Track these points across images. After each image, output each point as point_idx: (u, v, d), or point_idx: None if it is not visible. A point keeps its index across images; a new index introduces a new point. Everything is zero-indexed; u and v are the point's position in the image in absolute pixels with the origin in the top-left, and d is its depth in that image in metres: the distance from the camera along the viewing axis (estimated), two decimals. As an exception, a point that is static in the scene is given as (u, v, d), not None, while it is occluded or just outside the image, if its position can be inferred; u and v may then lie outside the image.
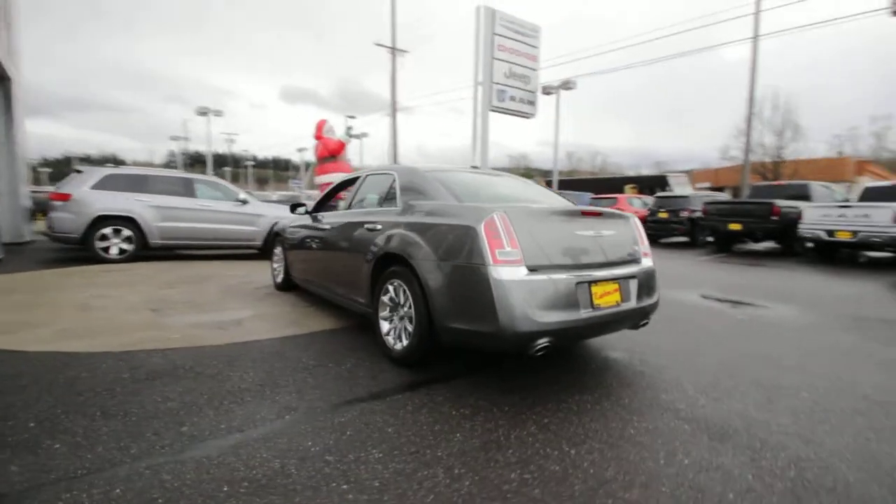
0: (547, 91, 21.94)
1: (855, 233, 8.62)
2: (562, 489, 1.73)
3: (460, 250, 2.52)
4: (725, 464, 1.92)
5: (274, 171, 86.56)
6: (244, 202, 8.37)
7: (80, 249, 7.24)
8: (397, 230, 3.02)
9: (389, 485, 1.72)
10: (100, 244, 7.12)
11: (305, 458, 1.89)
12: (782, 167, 28.77)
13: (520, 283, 2.36)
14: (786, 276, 7.61)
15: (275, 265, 5.57)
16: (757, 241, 11.46)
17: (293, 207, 4.70)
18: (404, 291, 2.92)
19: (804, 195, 11.26)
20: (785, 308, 4.98)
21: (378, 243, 3.15)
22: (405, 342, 2.91)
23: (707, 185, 31.77)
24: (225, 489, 1.66)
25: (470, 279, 2.45)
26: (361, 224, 3.47)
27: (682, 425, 2.25)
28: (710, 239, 12.39)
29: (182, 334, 3.53)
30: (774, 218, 10.30)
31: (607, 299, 2.68)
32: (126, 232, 7.29)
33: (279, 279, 5.39)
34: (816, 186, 11.69)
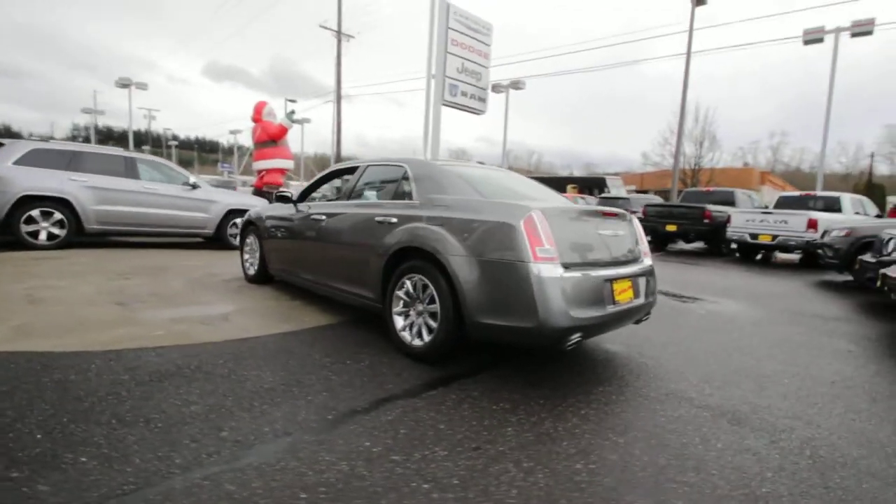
0: (497, 89, 22.35)
1: (774, 237, 9.71)
2: (628, 477, 1.82)
3: (498, 247, 2.54)
4: (752, 446, 2.12)
5: (199, 153, 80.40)
6: (194, 186, 7.74)
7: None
8: (418, 224, 2.97)
9: (468, 482, 1.71)
10: (26, 228, 6.25)
11: (371, 459, 1.82)
12: (700, 174, 31.68)
13: (558, 280, 2.43)
14: (720, 273, 8.41)
15: (246, 256, 5.23)
16: (689, 241, 12.54)
17: (280, 198, 4.44)
18: (425, 287, 2.89)
19: (730, 201, 12.48)
20: (733, 303, 5.51)
21: (394, 237, 3.08)
22: (427, 338, 2.88)
23: (633, 188, 34.13)
24: (303, 496, 1.57)
25: (509, 275, 2.48)
26: (370, 216, 3.36)
27: (701, 412, 2.45)
28: (648, 239, 13.37)
29: (167, 331, 3.22)
30: (706, 221, 11.33)
31: (624, 296, 2.83)
32: (57, 215, 6.45)
33: (252, 271, 5.07)
34: (740, 193, 12.99)
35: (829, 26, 13.80)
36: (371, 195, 3.77)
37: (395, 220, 3.15)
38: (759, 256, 11.31)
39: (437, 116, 17.65)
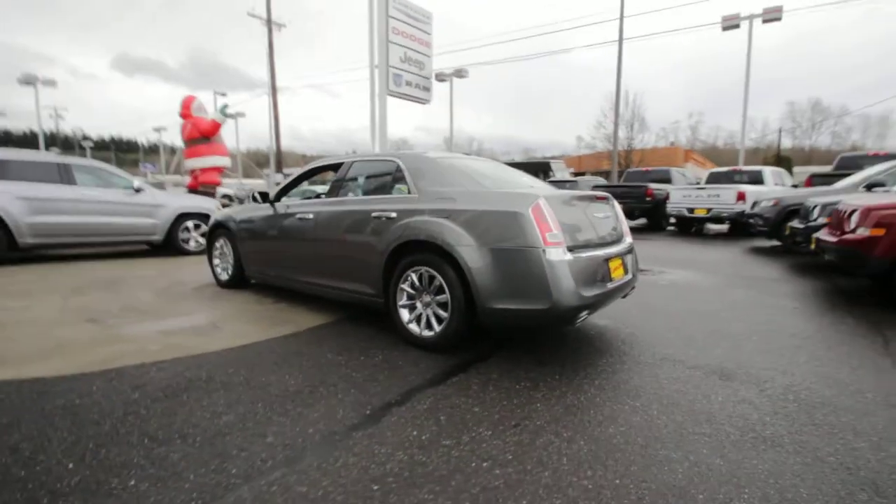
0: (440, 78, 22.35)
1: (709, 209, 10.60)
2: (655, 434, 2.02)
3: (509, 235, 2.65)
4: (746, 397, 2.40)
5: (116, 154, 73.88)
6: (138, 190, 7.21)
7: None
8: (420, 217, 3.01)
9: (521, 456, 1.83)
10: (-53, 247, 5.57)
11: (424, 446, 1.89)
12: (633, 155, 33.62)
13: (567, 262, 2.59)
14: (667, 247, 9.09)
15: (216, 261, 5.00)
16: (633, 218, 13.36)
17: (263, 196, 4.27)
18: (431, 278, 2.96)
19: (666, 179, 13.41)
20: (688, 273, 6.02)
21: (395, 231, 3.10)
22: (438, 328, 2.95)
23: (571, 170, 35.65)
24: (375, 487, 1.62)
25: (522, 261, 2.60)
26: (365, 212, 3.35)
27: (694, 372, 2.72)
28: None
29: (161, 345, 3.06)
30: (648, 199, 12.14)
31: (618, 273, 3.05)
32: (-16, 230, 5.80)
33: (225, 276, 4.87)
34: (675, 172, 13.99)
35: (743, 13, 15.23)
36: (361, 192, 3.75)
37: (393, 214, 3.17)
38: (693, 229, 12.30)
39: (382, 107, 17.45)
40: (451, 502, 1.55)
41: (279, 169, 27.22)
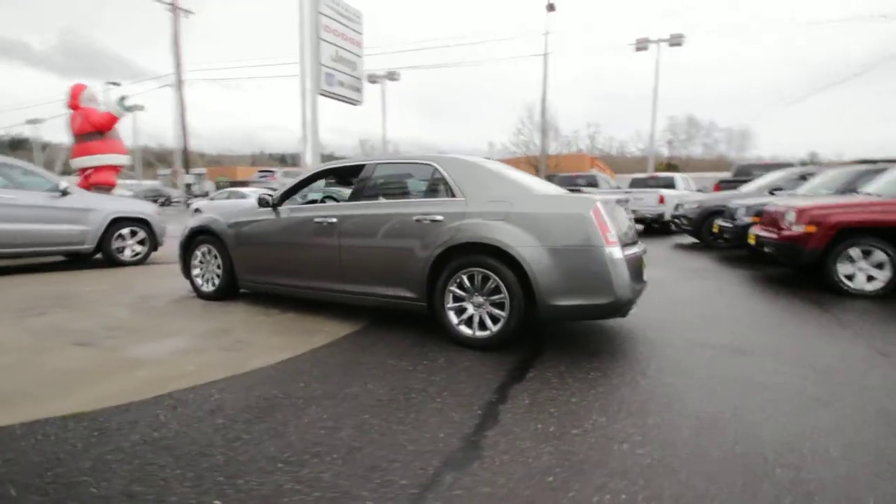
0: (372, 79, 22.02)
1: (635, 211, 11.79)
2: (720, 400, 2.31)
3: (573, 235, 2.82)
4: (769, 367, 2.82)
5: (-40, 150, 61.67)
6: (64, 193, 6.24)
7: None
8: (473, 220, 3.07)
9: (648, 436, 2.00)
10: None
11: (559, 437, 1.98)
12: (549, 160, 35.92)
13: (623, 259, 2.83)
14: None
15: (196, 271, 4.54)
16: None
17: (262, 202, 3.96)
18: (485, 279, 3.03)
19: (593, 184, 14.59)
20: (643, 268, 6.70)
21: (443, 234, 3.12)
22: (495, 328, 3.03)
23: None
24: (550, 479, 1.69)
25: (586, 260, 2.79)
26: (404, 216, 3.31)
27: (718, 351, 3.11)
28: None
29: (196, 365, 2.77)
30: (581, 201, 13.15)
31: (645, 269, 3.38)
32: None
33: (209, 287, 4.45)
34: (599, 176, 15.28)
35: (652, 38, 17.24)
36: (392, 195, 3.68)
37: (439, 217, 3.18)
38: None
39: (314, 107, 16.86)
40: (627, 482, 1.67)
41: (188, 168, 24.87)
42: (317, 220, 3.71)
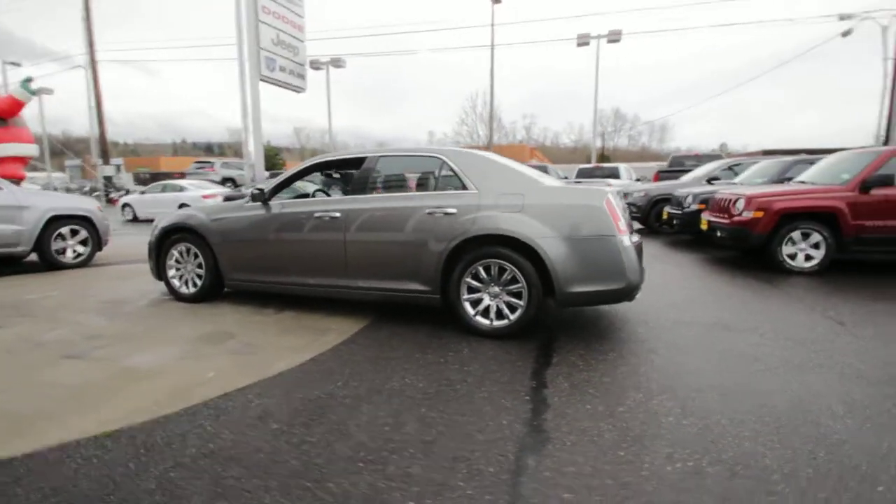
0: (315, 66, 21.10)
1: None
2: (724, 370, 2.59)
3: (588, 226, 2.97)
4: (754, 340, 3.16)
5: None
6: (-9, 189, 5.52)
7: None
8: (488, 212, 3.13)
9: (679, 410, 2.20)
10: None
11: (618, 415, 2.12)
12: (492, 150, 36.69)
13: (632, 247, 3.03)
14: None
15: (173, 272, 4.23)
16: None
17: (258, 196, 3.74)
18: (501, 270, 3.12)
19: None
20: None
21: (458, 227, 3.15)
22: (513, 317, 3.13)
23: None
24: (646, 462, 1.82)
25: (601, 248, 2.95)
26: (415, 209, 3.30)
27: (708, 329, 3.43)
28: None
29: (212, 370, 2.62)
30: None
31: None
32: None
33: (189, 289, 4.17)
34: (549, 167, 15.85)
35: (593, 33, 18.06)
36: (396, 188, 3.63)
37: (453, 210, 3.21)
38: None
39: (255, 94, 16.04)
40: (689, 450, 1.84)
41: (106, 159, 22.66)
42: (318, 214, 3.59)
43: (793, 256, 5.42)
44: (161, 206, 13.73)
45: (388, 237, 3.38)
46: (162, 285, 4.65)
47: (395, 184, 3.71)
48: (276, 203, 3.85)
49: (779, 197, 5.45)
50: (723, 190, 6.51)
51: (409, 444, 1.88)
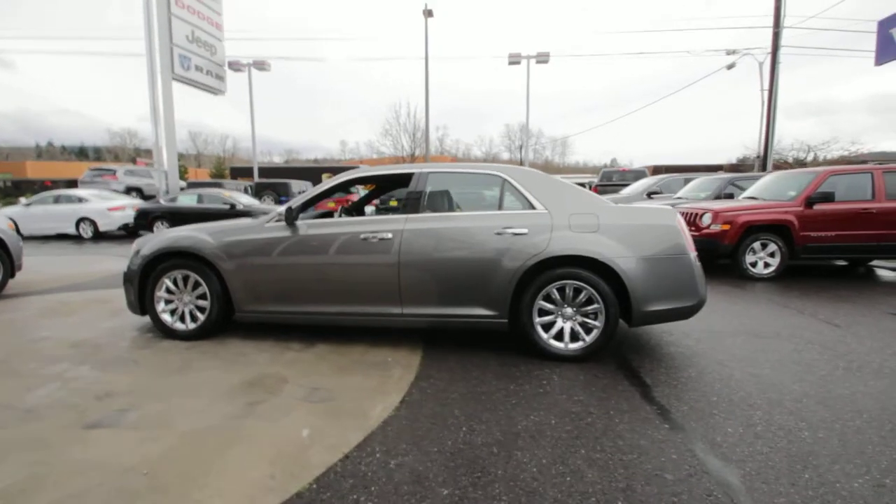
0: (235, 68, 19.37)
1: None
2: (767, 375, 2.79)
3: (664, 245, 3.01)
4: (789, 347, 3.46)
5: None
6: None
7: None
8: (562, 233, 3.04)
9: (804, 425, 2.30)
10: None
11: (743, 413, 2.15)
12: (417, 161, 36.83)
13: (699, 264, 3.14)
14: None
15: (163, 306, 3.54)
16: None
17: (293, 214, 3.24)
18: (577, 291, 3.06)
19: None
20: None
21: (531, 248, 3.02)
22: (588, 338, 3.07)
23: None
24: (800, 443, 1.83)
25: (677, 267, 3.01)
26: (482, 230, 3.11)
27: (737, 337, 3.68)
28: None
29: (306, 430, 2.19)
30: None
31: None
32: None
33: (188, 323, 3.52)
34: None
35: (524, 53, 18.99)
36: (455, 206, 3.38)
37: (524, 231, 3.08)
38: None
39: (168, 95, 14.58)
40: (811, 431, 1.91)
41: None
42: (364, 236, 3.23)
43: (754, 264, 6.07)
44: (54, 220, 11.64)
45: (451, 260, 3.14)
46: (135, 320, 3.89)
47: (451, 203, 3.47)
48: (302, 224, 3.40)
49: (742, 211, 6.09)
50: (683, 204, 7.13)
51: (607, 493, 1.72)
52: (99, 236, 11.72)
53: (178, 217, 11.36)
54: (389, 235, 3.20)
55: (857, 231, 5.85)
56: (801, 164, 28.23)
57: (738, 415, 2.35)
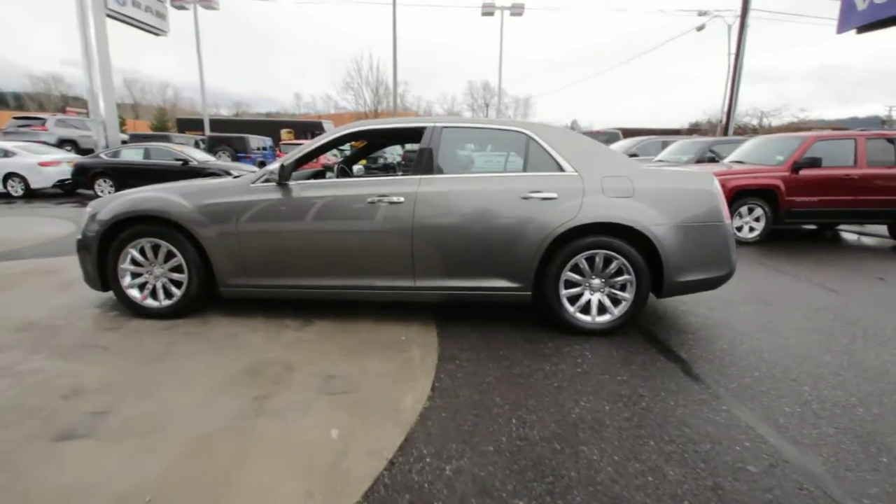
0: (178, 5, 17.21)
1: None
2: (823, 346, 2.75)
3: (702, 212, 2.81)
4: (803, 315, 3.44)
5: None
6: None
7: None
8: (594, 198, 2.77)
9: (856, 401, 2.23)
10: None
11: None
12: (381, 116, 35.24)
13: (733, 231, 2.97)
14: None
15: (128, 280, 3.03)
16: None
17: (286, 172, 2.76)
18: (607, 261, 2.84)
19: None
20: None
21: (562, 214, 2.74)
22: (616, 311, 2.88)
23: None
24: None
25: (714, 235, 2.83)
26: (506, 193, 2.78)
27: (751, 305, 3.63)
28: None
29: (335, 427, 1.87)
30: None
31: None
32: None
33: (161, 299, 3.04)
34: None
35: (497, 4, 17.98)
36: (474, 167, 3.00)
37: (553, 195, 2.78)
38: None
39: (101, 34, 13.00)
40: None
41: None
42: (371, 199, 2.83)
43: (740, 229, 6.11)
44: (-27, 176, 10.20)
45: (472, 227, 2.81)
46: (93, 295, 3.37)
47: (470, 162, 3.10)
48: (295, 185, 2.95)
49: (732, 176, 6.05)
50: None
51: (698, 494, 1.54)
52: (31, 194, 10.42)
53: (123, 173, 10.24)
54: (401, 199, 2.82)
55: (838, 196, 5.96)
56: (753, 130, 29.27)
57: (788, 391, 2.25)
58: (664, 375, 2.39)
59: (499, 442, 1.80)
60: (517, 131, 2.97)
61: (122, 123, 33.09)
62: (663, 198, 2.82)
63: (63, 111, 25.14)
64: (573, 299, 2.91)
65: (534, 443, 1.80)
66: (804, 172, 5.98)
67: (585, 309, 2.92)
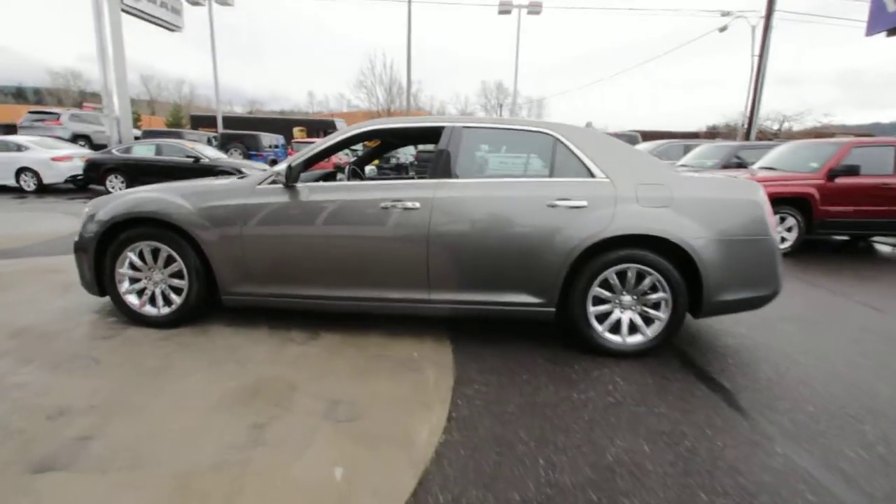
0: (193, 1, 17.26)
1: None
2: (871, 368, 2.48)
3: (746, 224, 2.56)
4: (846, 336, 3.16)
5: None
6: None
7: None
8: (628, 206, 2.53)
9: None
10: None
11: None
12: (395, 115, 35.15)
13: (781, 247, 2.70)
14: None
15: (127, 284, 2.86)
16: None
17: (293, 174, 2.57)
18: (640, 277, 2.60)
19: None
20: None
21: (592, 224, 2.51)
22: (649, 331, 2.64)
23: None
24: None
25: (759, 251, 2.58)
26: (532, 200, 2.56)
27: (788, 323, 3.36)
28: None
29: (339, 465, 1.67)
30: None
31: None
32: None
33: (160, 306, 2.87)
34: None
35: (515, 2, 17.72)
36: (497, 172, 2.78)
37: (582, 203, 2.55)
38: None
39: (117, 29, 12.93)
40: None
41: None
42: (384, 204, 2.63)
43: (770, 239, 5.79)
44: (-12, 169, 10.23)
45: (493, 236, 2.59)
46: (94, 297, 3.20)
47: (490, 165, 2.88)
48: (303, 187, 2.75)
49: (765, 183, 5.74)
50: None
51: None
52: (43, 189, 10.42)
53: (135, 170, 10.19)
54: (417, 204, 2.61)
55: (876, 207, 5.63)
56: (774, 134, 28.58)
57: (848, 431, 2.00)
58: (707, 408, 2.15)
59: (525, 489, 1.58)
60: (544, 132, 2.73)
61: (137, 119, 33.42)
62: (704, 208, 2.57)
63: (80, 107, 25.43)
64: (601, 317, 2.68)
65: (566, 491, 1.58)
66: (840, 180, 5.65)
67: (615, 328, 2.68)
